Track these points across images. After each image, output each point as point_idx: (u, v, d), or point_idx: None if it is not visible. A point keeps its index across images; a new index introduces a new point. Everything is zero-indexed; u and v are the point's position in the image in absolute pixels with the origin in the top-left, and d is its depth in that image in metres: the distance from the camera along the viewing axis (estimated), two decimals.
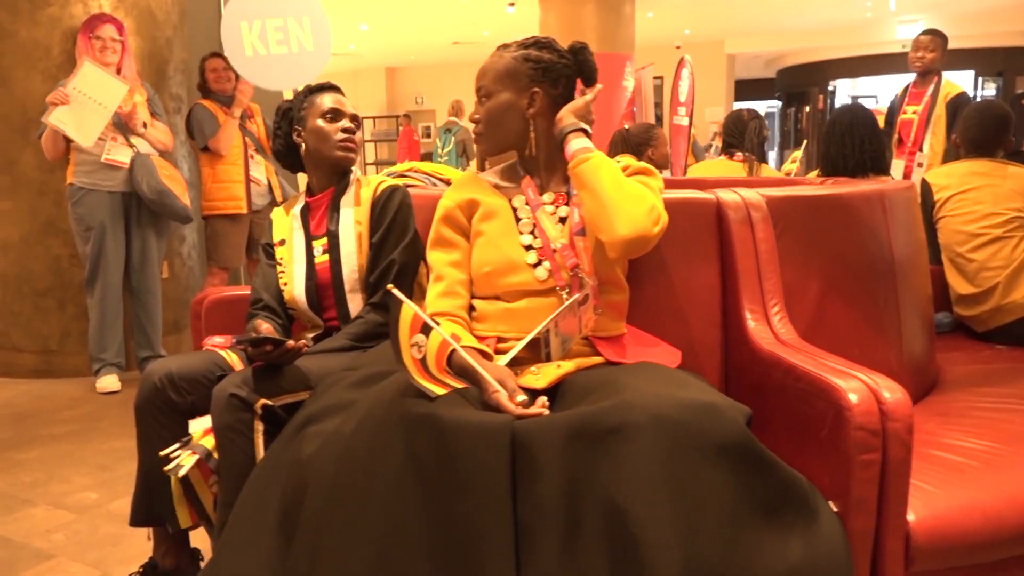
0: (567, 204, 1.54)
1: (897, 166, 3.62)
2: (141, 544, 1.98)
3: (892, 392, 1.25)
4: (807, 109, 15.58)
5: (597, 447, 1.08)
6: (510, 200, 1.56)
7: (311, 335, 1.88)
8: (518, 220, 1.54)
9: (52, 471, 2.62)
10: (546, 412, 1.18)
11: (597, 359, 1.46)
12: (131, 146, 3.48)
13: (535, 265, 1.49)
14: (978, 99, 3.58)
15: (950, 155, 3.40)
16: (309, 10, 3.71)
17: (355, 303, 1.84)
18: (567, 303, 1.40)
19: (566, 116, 1.51)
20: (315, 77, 3.78)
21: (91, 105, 3.35)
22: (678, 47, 12.68)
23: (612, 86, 9.53)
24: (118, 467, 2.63)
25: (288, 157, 1.98)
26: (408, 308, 1.19)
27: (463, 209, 1.57)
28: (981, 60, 12.57)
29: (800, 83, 15.58)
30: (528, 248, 1.51)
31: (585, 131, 1.49)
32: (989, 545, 1.31)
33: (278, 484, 1.30)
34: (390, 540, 1.08)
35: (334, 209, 1.89)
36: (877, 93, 13.66)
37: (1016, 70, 12.51)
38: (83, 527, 2.22)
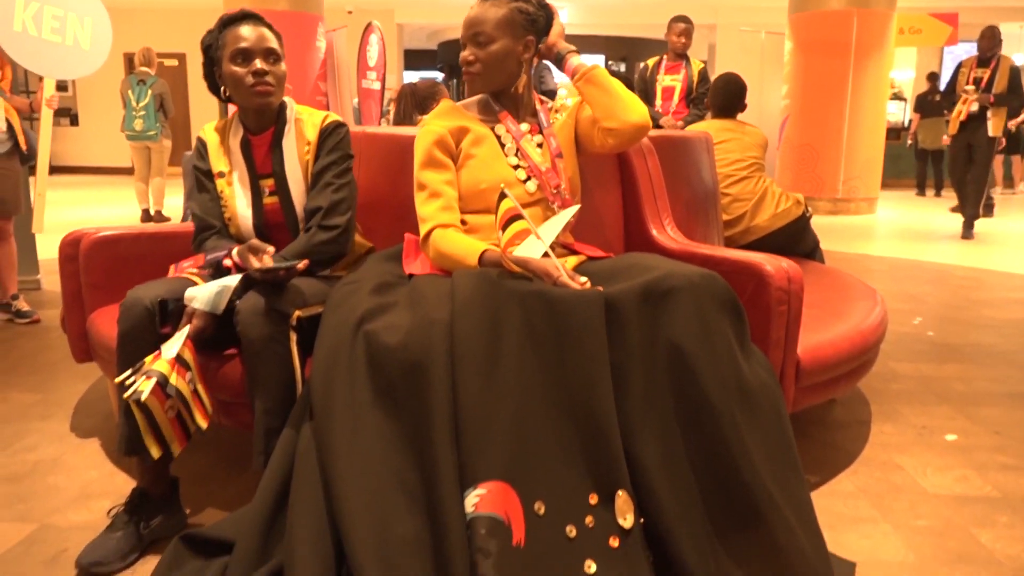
0: (540, 133, 1.85)
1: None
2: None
3: (790, 266, 1.81)
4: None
5: (658, 305, 1.45)
6: (492, 129, 1.83)
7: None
8: (503, 146, 1.82)
9: None
10: (600, 289, 1.52)
11: (580, 257, 1.81)
12: None
13: (525, 180, 1.79)
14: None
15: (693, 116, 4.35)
16: (94, 13, 3.68)
17: None
18: (567, 217, 1.71)
19: (559, 42, 1.84)
20: (81, 76, 3.73)
21: None
22: (350, 12, 12.83)
23: (306, 46, 9.51)
24: None
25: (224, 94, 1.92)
26: (508, 202, 1.44)
27: (453, 134, 1.80)
28: (610, 46, 14.77)
29: (458, 56, 16.67)
30: (516, 167, 1.80)
31: (576, 51, 1.84)
32: (836, 365, 1.95)
33: (358, 373, 1.43)
34: (525, 396, 1.33)
35: (277, 149, 1.90)
36: None
37: (636, 56, 14.90)
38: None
